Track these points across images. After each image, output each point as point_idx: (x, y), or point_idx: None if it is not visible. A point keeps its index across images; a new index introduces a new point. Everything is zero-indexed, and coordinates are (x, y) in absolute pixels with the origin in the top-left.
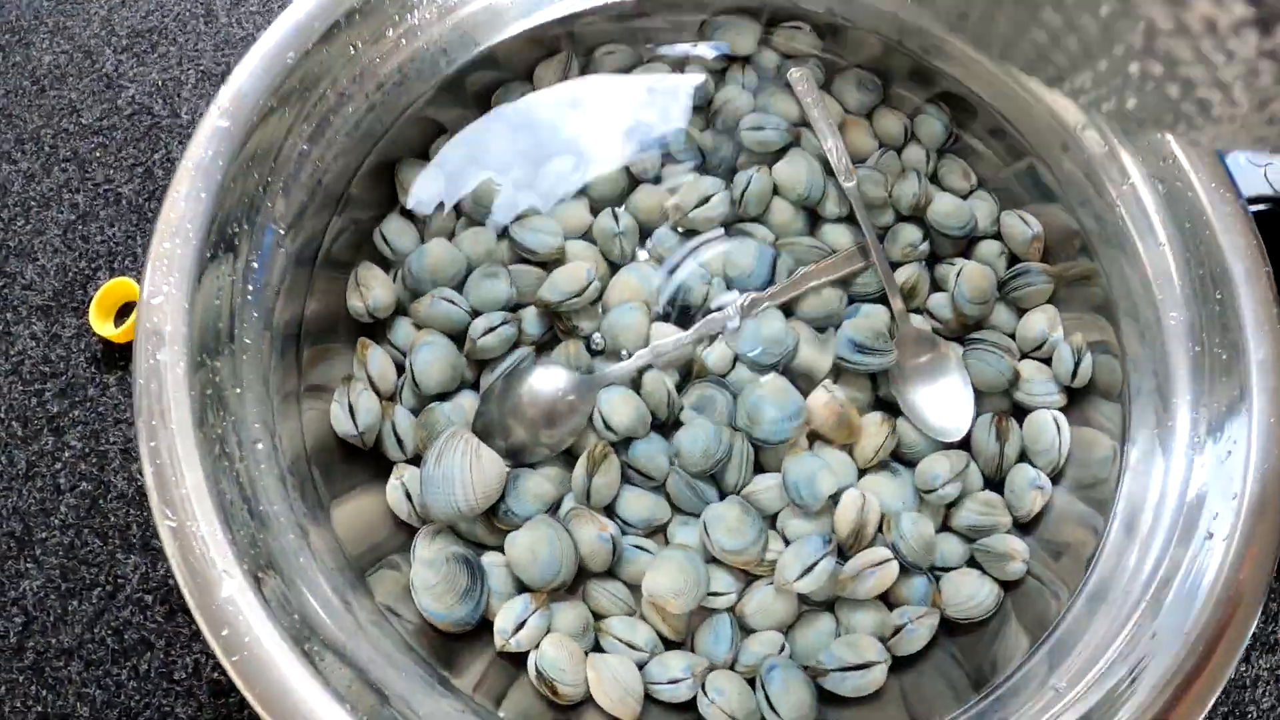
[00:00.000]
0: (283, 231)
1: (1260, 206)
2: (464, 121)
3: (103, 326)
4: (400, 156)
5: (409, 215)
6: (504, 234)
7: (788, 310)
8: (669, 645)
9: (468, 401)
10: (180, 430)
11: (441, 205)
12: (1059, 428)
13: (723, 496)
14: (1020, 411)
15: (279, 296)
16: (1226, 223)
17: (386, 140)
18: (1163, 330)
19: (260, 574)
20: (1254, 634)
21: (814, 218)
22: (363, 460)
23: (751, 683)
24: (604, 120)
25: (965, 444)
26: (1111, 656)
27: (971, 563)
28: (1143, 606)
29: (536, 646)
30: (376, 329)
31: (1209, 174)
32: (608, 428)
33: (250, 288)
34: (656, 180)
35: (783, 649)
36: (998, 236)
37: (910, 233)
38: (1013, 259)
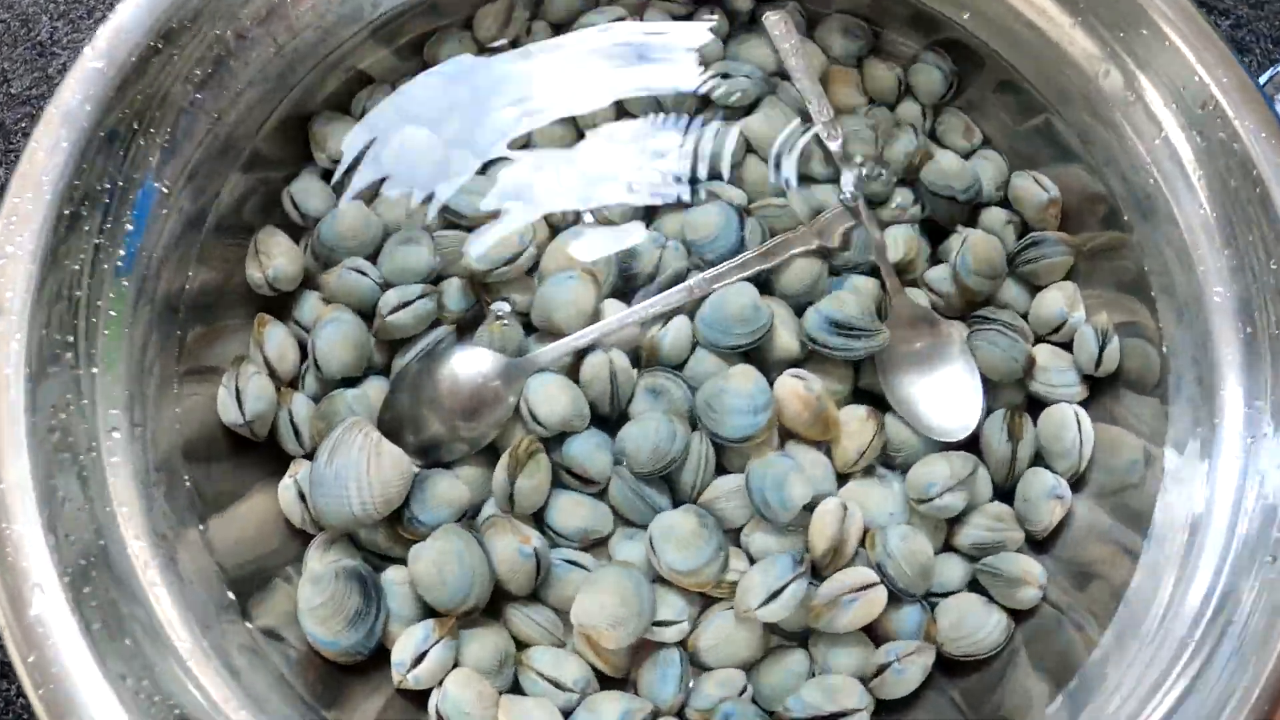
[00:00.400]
0: (166, 190)
1: None
2: (393, 72)
3: None
4: (317, 110)
5: (327, 177)
6: (432, 198)
7: (761, 285)
8: (605, 683)
9: (375, 389)
10: (8, 414)
11: (362, 164)
12: (1080, 424)
13: (677, 505)
14: (1034, 406)
15: (163, 264)
16: None
17: (301, 91)
18: (1205, 308)
19: (88, 589)
20: None
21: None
22: (258, 456)
23: None
24: (551, 70)
25: (969, 446)
26: (1150, 710)
27: (975, 587)
28: (1190, 648)
29: (440, 684)
30: (282, 305)
31: (1256, 121)
32: (536, 421)
33: (122, 252)
34: (610, 136)
35: (744, 691)
36: (1005, 204)
37: (901, 196)
38: (1025, 228)
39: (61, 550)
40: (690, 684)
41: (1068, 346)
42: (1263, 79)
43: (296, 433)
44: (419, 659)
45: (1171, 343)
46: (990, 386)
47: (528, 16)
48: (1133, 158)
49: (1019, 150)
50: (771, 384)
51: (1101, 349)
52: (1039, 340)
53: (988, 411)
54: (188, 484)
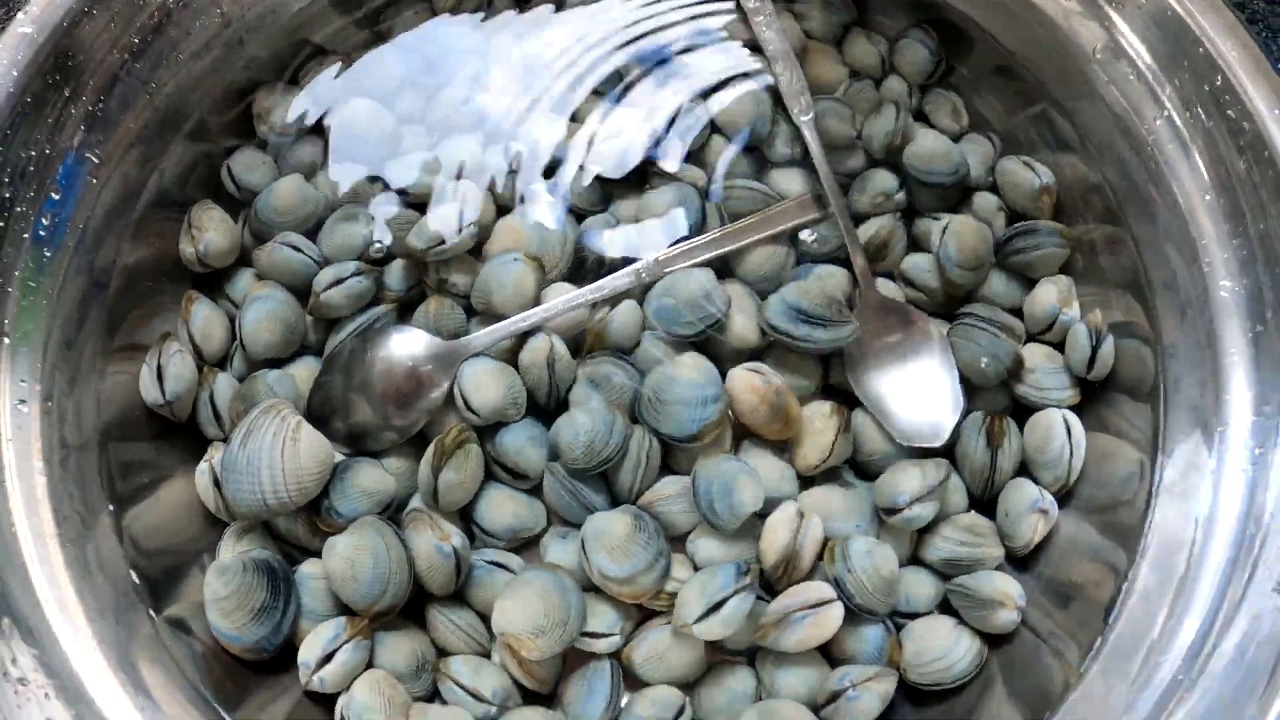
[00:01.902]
0: (97, 161)
1: None
2: (347, 44)
3: None
4: (263, 80)
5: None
6: (379, 176)
7: (720, 271)
8: (529, 698)
9: (303, 370)
10: None
11: (306, 138)
12: (1070, 432)
13: (616, 505)
14: (1020, 410)
15: (94, 236)
16: None
17: (245, 61)
18: (1211, 305)
19: None
20: None
21: (760, 161)
22: (182, 438)
23: None
24: (509, 44)
25: (946, 451)
26: None
27: (945, 608)
28: (1185, 683)
29: (348, 688)
30: (217, 281)
31: (1271, 97)
32: (469, 409)
33: (45, 222)
34: (570, 114)
35: (681, 713)
36: (994, 189)
37: (882, 179)
38: (1015, 216)
39: None
40: (622, 702)
41: (1060, 346)
42: None
43: (217, 415)
44: (326, 659)
45: (1172, 343)
46: (972, 388)
47: None
48: (1132, 141)
49: (1010, 136)
50: (724, 376)
51: (1095, 349)
52: (1030, 339)
53: (967, 414)
54: (103, 464)
